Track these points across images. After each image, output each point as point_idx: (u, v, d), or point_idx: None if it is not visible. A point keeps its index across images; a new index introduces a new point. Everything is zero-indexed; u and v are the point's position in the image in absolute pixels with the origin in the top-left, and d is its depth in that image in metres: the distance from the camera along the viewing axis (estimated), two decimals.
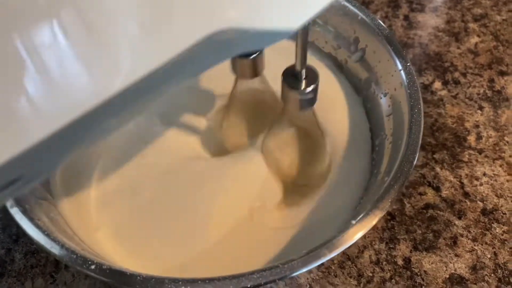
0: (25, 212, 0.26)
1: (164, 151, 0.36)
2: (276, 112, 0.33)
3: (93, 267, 0.23)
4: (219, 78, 0.37)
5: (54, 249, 0.24)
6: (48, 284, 0.36)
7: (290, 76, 0.28)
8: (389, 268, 0.36)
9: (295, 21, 0.19)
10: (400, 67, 0.33)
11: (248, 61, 0.31)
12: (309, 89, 0.27)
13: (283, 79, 0.28)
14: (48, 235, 0.25)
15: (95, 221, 0.32)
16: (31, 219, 0.25)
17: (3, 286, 0.36)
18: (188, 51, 0.16)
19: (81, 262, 0.24)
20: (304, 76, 0.27)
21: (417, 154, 0.28)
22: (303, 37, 0.25)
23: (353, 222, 0.25)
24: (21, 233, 0.39)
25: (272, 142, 0.34)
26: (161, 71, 0.16)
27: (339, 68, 0.40)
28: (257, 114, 0.37)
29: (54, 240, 0.25)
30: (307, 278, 0.36)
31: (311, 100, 0.29)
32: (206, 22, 0.16)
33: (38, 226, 0.25)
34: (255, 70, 0.32)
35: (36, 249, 0.38)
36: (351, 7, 0.36)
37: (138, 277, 0.23)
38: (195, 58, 0.17)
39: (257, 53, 0.30)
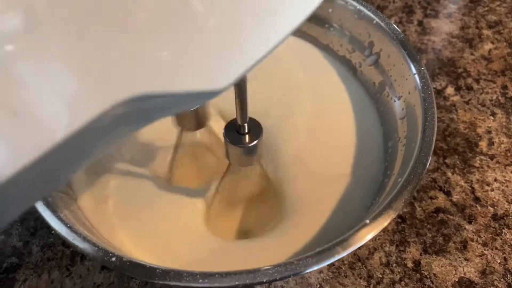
0: (48, 205, 0.27)
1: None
2: (224, 163, 0.33)
3: (113, 259, 0.24)
4: (163, 130, 0.36)
5: (76, 241, 0.25)
6: (64, 277, 0.37)
7: (232, 131, 0.27)
8: (399, 270, 0.37)
9: (220, 80, 0.16)
10: (414, 71, 0.33)
11: (190, 113, 0.29)
12: (252, 144, 0.26)
13: (224, 134, 0.27)
14: (70, 227, 0.26)
15: (112, 217, 0.33)
16: (54, 212, 0.26)
17: (20, 277, 0.37)
18: (93, 125, 0.13)
19: (103, 255, 0.24)
20: (246, 131, 0.26)
21: (430, 156, 0.28)
22: (240, 91, 0.23)
23: (367, 221, 0.26)
24: (38, 226, 0.40)
25: (221, 193, 0.34)
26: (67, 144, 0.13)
27: (353, 71, 0.41)
28: (204, 164, 0.36)
29: (76, 232, 0.25)
30: (318, 278, 0.36)
31: (255, 155, 0.28)
32: (111, 90, 0.13)
33: (60, 219, 0.26)
34: (199, 122, 0.30)
35: (53, 242, 0.39)
36: (367, 11, 0.37)
37: (157, 270, 0.24)
38: (104, 130, 0.14)
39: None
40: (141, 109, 0.14)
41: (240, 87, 0.23)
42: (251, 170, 0.32)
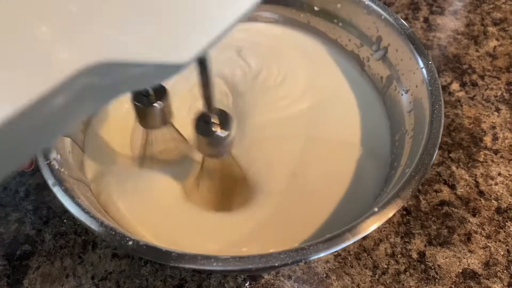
0: (66, 191, 0.27)
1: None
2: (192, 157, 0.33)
3: (130, 243, 0.25)
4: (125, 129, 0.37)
5: (94, 226, 0.26)
6: (76, 264, 0.38)
7: (202, 122, 0.26)
8: (404, 261, 0.37)
9: (183, 53, 0.16)
10: (422, 65, 0.34)
11: (155, 110, 0.29)
12: (221, 135, 0.26)
13: (194, 125, 0.26)
14: (88, 213, 0.26)
15: (123, 205, 0.34)
16: (72, 198, 0.27)
17: (33, 265, 0.38)
18: (54, 95, 0.13)
19: (119, 239, 0.25)
20: (216, 121, 0.26)
21: (437, 148, 0.29)
22: (203, 78, 0.23)
23: (376, 209, 0.26)
24: (51, 215, 0.40)
25: (197, 184, 0.34)
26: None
27: (361, 65, 0.41)
28: (173, 161, 0.36)
29: (94, 217, 0.26)
30: (324, 268, 0.37)
31: (226, 146, 0.27)
32: (73, 58, 0.13)
33: (78, 204, 0.27)
34: (163, 119, 0.30)
35: (65, 231, 0.40)
36: (375, 7, 0.37)
37: (173, 254, 0.24)
38: (70, 101, 0.14)
39: (163, 100, 0.29)
40: (108, 78, 0.15)
41: (204, 70, 0.23)
42: (222, 161, 0.32)
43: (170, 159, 0.36)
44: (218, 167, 0.33)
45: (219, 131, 0.26)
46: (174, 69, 0.16)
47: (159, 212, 0.33)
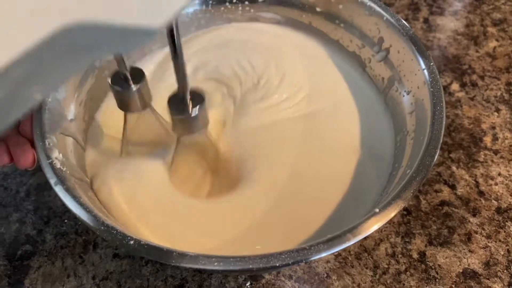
0: (68, 190, 0.27)
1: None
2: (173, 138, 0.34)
3: (131, 242, 0.25)
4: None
5: (95, 225, 0.26)
6: (77, 264, 0.38)
7: (176, 102, 0.28)
8: (404, 261, 0.38)
9: (157, 16, 0.16)
10: (423, 66, 0.34)
11: (134, 94, 0.29)
12: (194, 112, 0.28)
13: (168, 105, 0.28)
14: (89, 212, 0.26)
15: (125, 204, 0.34)
16: (74, 197, 0.27)
17: (34, 264, 0.38)
18: (27, 58, 0.13)
19: (121, 238, 0.25)
20: (189, 100, 0.27)
21: (439, 149, 0.29)
22: (178, 60, 0.24)
23: (377, 210, 0.26)
24: (51, 215, 0.40)
25: (176, 166, 0.35)
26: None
27: (362, 67, 0.41)
28: (155, 144, 0.37)
29: (96, 216, 0.26)
30: (325, 268, 0.37)
31: (200, 122, 0.29)
32: (47, 19, 0.14)
33: (80, 204, 0.27)
34: (142, 102, 0.30)
35: (66, 231, 0.40)
36: (377, 8, 0.37)
37: (174, 253, 0.24)
38: (40, 65, 0.14)
39: (141, 83, 0.29)
40: (82, 40, 0.15)
41: (178, 55, 0.24)
42: (198, 138, 0.32)
43: (153, 144, 0.36)
44: (193, 147, 0.33)
45: (190, 109, 0.27)
46: (145, 34, 0.16)
47: (156, 207, 0.33)
